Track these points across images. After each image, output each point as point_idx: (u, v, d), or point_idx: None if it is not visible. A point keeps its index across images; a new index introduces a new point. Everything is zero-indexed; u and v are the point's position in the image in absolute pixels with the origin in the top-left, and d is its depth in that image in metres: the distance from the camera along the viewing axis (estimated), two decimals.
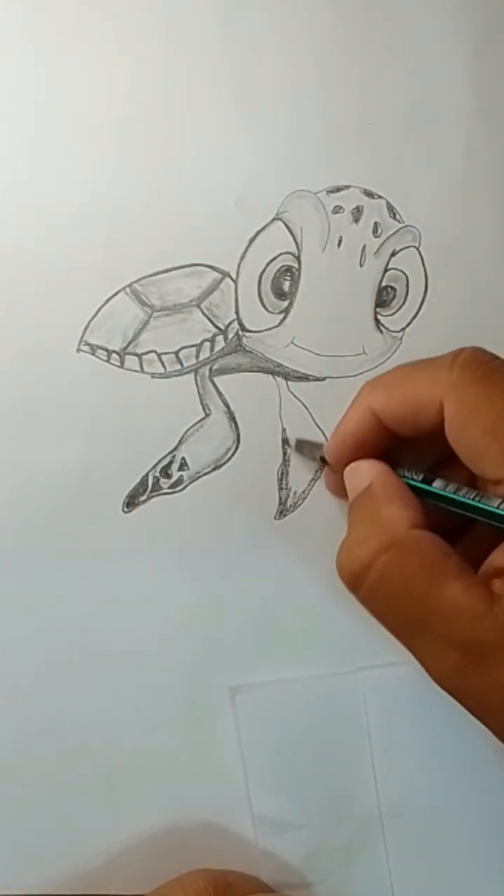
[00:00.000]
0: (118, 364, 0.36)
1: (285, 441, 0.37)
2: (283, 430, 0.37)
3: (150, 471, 0.37)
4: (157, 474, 0.37)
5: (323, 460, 0.36)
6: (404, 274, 0.38)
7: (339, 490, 0.36)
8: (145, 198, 0.36)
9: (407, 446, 0.34)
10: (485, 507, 0.31)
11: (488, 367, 0.31)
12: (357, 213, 0.37)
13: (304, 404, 0.37)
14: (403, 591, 0.30)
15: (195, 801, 0.37)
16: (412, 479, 0.33)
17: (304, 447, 0.37)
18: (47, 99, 0.36)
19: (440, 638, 0.29)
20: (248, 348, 0.37)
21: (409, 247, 0.38)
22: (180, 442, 0.37)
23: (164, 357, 0.37)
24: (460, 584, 0.29)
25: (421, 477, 0.33)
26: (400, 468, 0.34)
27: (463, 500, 0.32)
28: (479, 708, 0.29)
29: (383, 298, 0.38)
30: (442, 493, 0.32)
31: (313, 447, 0.37)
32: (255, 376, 0.37)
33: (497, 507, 0.31)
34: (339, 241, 0.37)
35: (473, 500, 0.32)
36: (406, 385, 0.33)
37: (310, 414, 0.37)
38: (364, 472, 0.33)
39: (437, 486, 0.33)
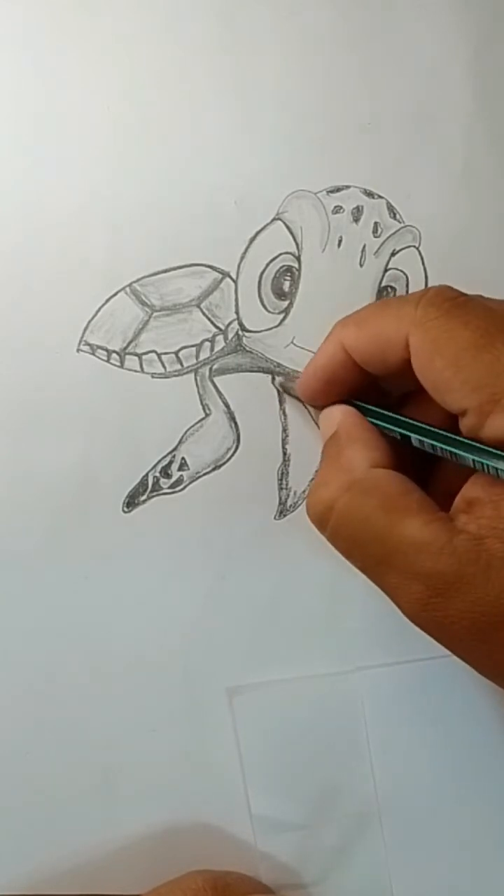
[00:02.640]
0: (118, 364, 0.36)
1: (273, 382, 0.37)
2: (284, 429, 0.37)
3: (150, 471, 0.37)
4: (157, 474, 0.37)
5: None
6: (404, 274, 0.38)
7: None
8: (145, 198, 0.36)
9: (381, 385, 0.35)
10: (453, 436, 0.31)
11: (453, 303, 0.31)
12: (357, 213, 0.37)
13: (304, 404, 0.37)
14: (364, 529, 0.31)
15: (193, 801, 0.37)
16: (380, 410, 0.34)
17: (289, 386, 0.37)
18: (47, 99, 0.36)
19: (403, 573, 0.30)
20: (248, 348, 0.37)
21: (409, 247, 0.38)
22: (180, 442, 0.37)
23: (164, 357, 0.37)
24: (420, 519, 0.30)
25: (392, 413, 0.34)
26: (371, 406, 0.34)
27: (431, 429, 0.32)
28: (447, 639, 0.30)
29: (383, 298, 0.38)
30: (411, 422, 0.33)
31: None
32: (255, 376, 0.37)
33: (464, 440, 0.31)
34: (339, 241, 0.37)
35: (441, 433, 0.32)
36: (375, 321, 0.33)
37: (310, 414, 0.37)
38: (334, 417, 0.34)
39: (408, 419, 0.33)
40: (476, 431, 0.30)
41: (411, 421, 0.33)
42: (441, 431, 0.32)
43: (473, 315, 0.31)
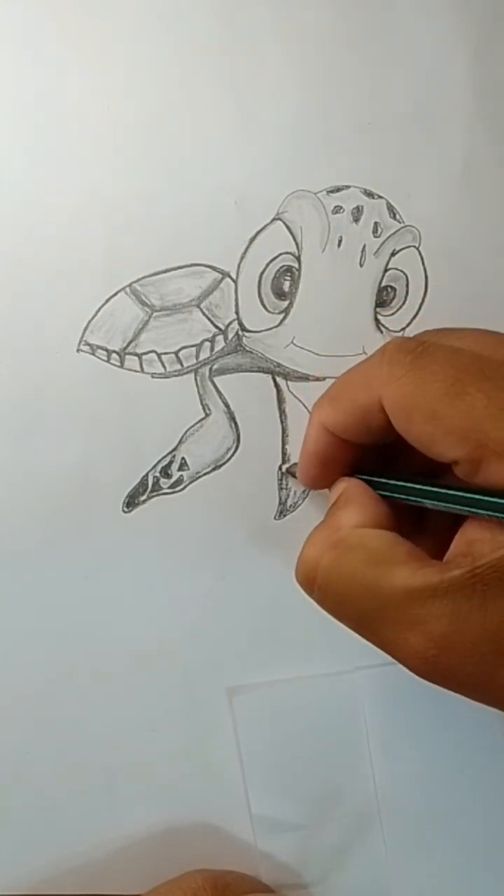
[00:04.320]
0: (118, 364, 0.36)
1: (279, 468, 0.37)
2: (284, 429, 0.37)
3: (150, 471, 0.37)
4: (157, 474, 0.37)
5: None
6: (404, 274, 0.38)
7: None
8: (145, 198, 0.36)
9: (377, 449, 0.34)
10: (467, 496, 0.30)
11: (415, 355, 0.30)
12: (357, 213, 0.37)
13: (304, 404, 0.37)
14: (352, 584, 0.30)
15: (193, 801, 0.37)
16: (388, 481, 0.33)
17: (296, 472, 0.37)
18: (47, 99, 0.36)
19: (397, 625, 0.29)
20: (248, 348, 0.37)
21: (409, 247, 0.38)
22: (180, 442, 0.37)
23: (164, 357, 0.37)
24: (409, 567, 0.29)
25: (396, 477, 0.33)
26: (376, 477, 0.34)
27: (442, 492, 0.31)
28: (456, 686, 0.29)
29: (383, 298, 0.38)
30: (422, 487, 0.32)
31: None
32: (255, 376, 0.37)
33: (456, 491, 0.30)
34: (339, 241, 0.37)
35: (435, 487, 0.31)
36: (347, 394, 0.33)
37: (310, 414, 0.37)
38: (339, 489, 0.34)
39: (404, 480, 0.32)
40: (471, 478, 0.29)
41: (421, 486, 0.32)
42: (453, 492, 0.31)
43: (439, 363, 0.30)
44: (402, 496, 0.32)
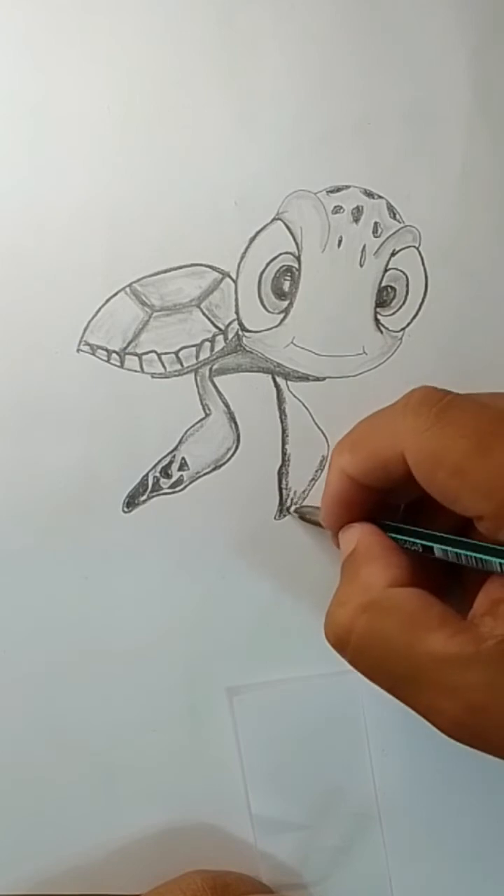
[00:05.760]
0: (118, 364, 0.36)
1: (289, 510, 0.37)
2: (284, 429, 0.37)
3: (150, 471, 0.37)
4: (157, 474, 0.37)
5: None
6: (404, 274, 0.38)
7: None
8: (145, 198, 0.37)
9: (398, 495, 0.34)
10: (476, 543, 0.30)
11: (440, 408, 0.30)
12: (357, 213, 0.37)
13: (304, 404, 0.37)
14: (387, 649, 0.29)
15: (193, 801, 0.37)
16: (401, 525, 0.33)
17: (306, 514, 0.37)
18: (47, 99, 0.36)
19: (433, 691, 0.28)
20: (248, 348, 0.37)
21: (409, 247, 0.38)
22: (180, 442, 0.37)
23: (164, 357, 0.37)
24: (443, 633, 0.28)
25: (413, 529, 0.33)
26: (391, 522, 0.34)
27: (454, 538, 0.31)
28: (492, 750, 0.29)
29: (383, 298, 0.38)
30: (432, 533, 0.32)
31: (315, 512, 0.36)
32: (255, 376, 0.37)
33: (488, 545, 0.30)
34: (339, 241, 0.37)
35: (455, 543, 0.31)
36: (367, 442, 0.32)
37: (310, 414, 0.37)
38: (352, 535, 0.33)
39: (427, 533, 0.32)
40: (494, 534, 0.29)
41: (432, 532, 0.32)
42: (463, 539, 0.31)
43: (465, 417, 0.30)
44: (414, 539, 0.32)
